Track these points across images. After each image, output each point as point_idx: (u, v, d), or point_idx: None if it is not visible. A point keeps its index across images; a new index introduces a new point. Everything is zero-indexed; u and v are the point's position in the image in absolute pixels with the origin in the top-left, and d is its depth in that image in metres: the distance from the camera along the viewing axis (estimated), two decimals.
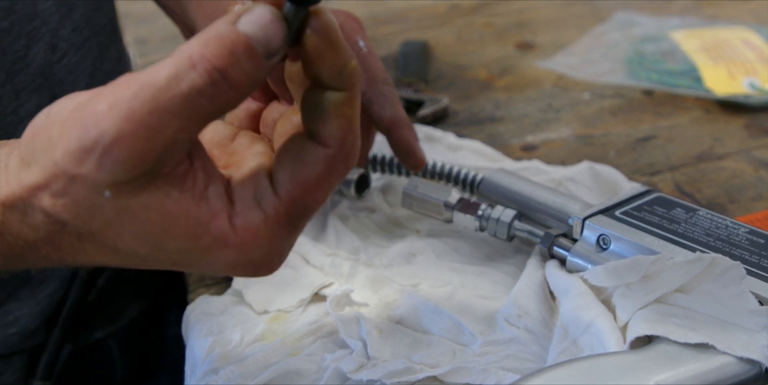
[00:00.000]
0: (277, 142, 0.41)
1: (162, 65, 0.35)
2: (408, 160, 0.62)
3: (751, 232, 0.55)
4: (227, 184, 0.38)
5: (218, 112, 0.36)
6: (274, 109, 0.46)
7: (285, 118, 0.42)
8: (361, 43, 0.63)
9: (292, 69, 0.41)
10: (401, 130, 0.62)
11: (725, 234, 0.55)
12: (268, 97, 0.46)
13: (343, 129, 0.38)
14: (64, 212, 0.37)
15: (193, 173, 0.37)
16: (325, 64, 0.37)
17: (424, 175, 0.67)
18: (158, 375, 0.83)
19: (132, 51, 1.07)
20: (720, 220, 0.57)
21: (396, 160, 0.67)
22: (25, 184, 0.37)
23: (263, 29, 0.35)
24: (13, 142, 0.40)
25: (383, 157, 0.68)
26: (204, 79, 0.34)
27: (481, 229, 0.61)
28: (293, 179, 0.38)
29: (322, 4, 0.36)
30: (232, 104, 0.36)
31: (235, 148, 0.44)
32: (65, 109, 0.37)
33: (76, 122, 0.35)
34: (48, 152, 0.36)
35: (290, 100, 0.44)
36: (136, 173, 0.35)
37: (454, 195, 0.62)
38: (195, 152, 0.37)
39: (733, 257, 0.52)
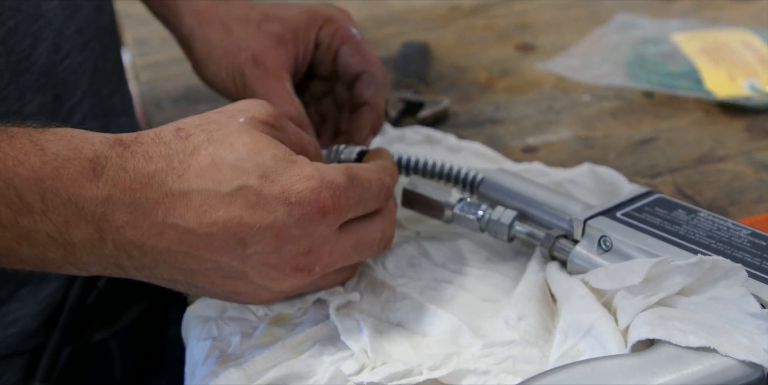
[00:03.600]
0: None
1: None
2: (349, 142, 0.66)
3: (753, 234, 0.55)
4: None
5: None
6: None
7: None
8: (354, 31, 0.68)
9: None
10: (369, 112, 0.65)
11: (726, 236, 0.55)
12: None
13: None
14: (198, 127, 0.50)
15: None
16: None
17: (424, 175, 0.67)
18: (158, 375, 0.82)
19: (132, 51, 1.07)
20: (721, 222, 0.57)
21: (398, 158, 0.67)
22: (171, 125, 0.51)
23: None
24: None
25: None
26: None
27: (482, 230, 0.61)
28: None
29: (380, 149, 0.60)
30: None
31: None
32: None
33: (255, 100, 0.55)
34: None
35: None
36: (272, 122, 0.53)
37: (455, 195, 0.61)
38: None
39: (735, 260, 0.51)
